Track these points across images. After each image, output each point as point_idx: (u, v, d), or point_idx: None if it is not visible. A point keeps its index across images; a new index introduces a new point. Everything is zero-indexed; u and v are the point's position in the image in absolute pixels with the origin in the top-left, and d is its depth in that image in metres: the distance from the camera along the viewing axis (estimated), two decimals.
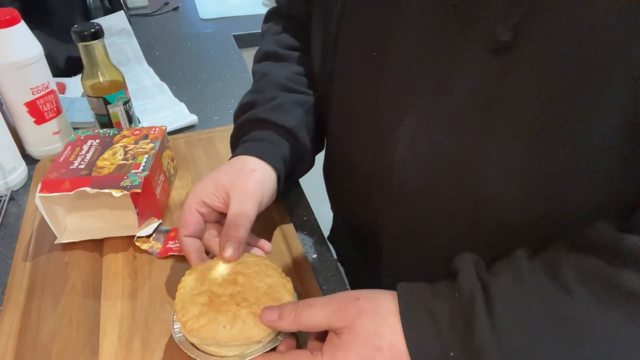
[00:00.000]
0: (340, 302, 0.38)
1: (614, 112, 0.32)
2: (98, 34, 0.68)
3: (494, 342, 0.33)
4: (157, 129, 0.64)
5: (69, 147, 0.60)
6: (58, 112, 0.73)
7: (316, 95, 0.58)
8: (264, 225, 0.60)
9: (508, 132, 0.37)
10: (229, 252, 0.45)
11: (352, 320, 0.36)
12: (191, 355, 0.43)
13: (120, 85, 0.73)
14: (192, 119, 0.84)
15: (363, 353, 0.35)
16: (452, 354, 0.33)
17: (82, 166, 0.56)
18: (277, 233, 0.59)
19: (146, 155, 0.59)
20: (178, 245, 0.56)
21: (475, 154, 0.39)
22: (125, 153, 0.59)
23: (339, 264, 0.59)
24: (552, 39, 0.33)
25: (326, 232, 0.69)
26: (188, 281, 0.46)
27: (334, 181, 0.62)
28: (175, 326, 0.46)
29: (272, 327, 0.41)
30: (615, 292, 0.32)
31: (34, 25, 0.69)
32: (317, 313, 0.38)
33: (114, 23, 1.09)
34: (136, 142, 0.62)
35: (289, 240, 0.58)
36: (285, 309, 0.39)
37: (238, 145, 0.55)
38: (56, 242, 0.57)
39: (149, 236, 0.58)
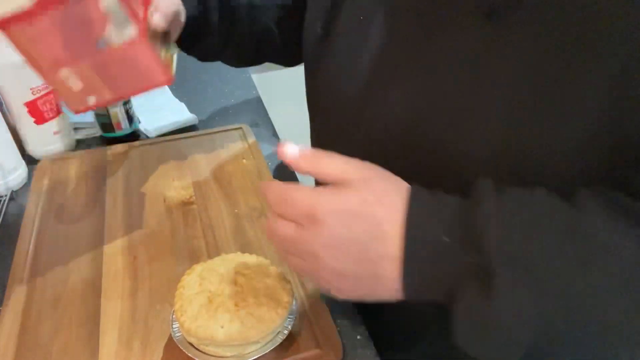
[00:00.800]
0: (363, 162, 0.37)
1: (602, 91, 0.32)
2: None
3: (495, 229, 0.30)
4: None
5: None
6: (58, 112, 0.74)
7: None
8: (264, 225, 0.60)
9: (491, 100, 0.36)
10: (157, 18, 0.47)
11: (370, 175, 0.35)
12: (189, 355, 0.44)
13: None
14: (192, 118, 0.84)
15: (367, 198, 0.34)
16: (446, 239, 0.32)
17: None
18: None
19: None
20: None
21: (456, 118, 0.38)
22: None
23: None
24: (546, 9, 0.32)
25: None
26: (187, 281, 0.46)
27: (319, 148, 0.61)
28: (174, 326, 0.46)
29: (288, 162, 0.38)
30: (629, 213, 0.30)
31: None
32: (338, 162, 0.36)
33: None
34: None
35: None
36: (307, 151, 0.37)
37: None
38: None
39: None
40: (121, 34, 0.38)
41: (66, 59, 0.39)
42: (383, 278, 0.33)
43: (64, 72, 0.39)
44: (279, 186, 0.36)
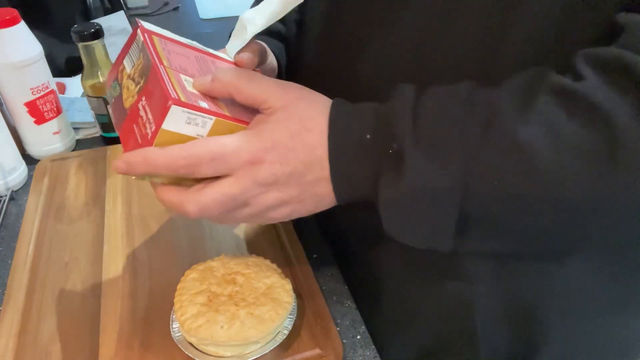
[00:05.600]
0: (284, 84, 0.37)
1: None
2: (98, 34, 0.68)
3: (405, 117, 0.33)
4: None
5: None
6: (58, 112, 0.74)
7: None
8: (264, 225, 0.60)
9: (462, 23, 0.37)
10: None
11: (290, 101, 0.36)
12: (189, 355, 0.44)
13: None
14: None
15: (293, 129, 0.35)
16: (368, 136, 0.34)
17: None
18: (277, 233, 0.59)
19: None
20: None
21: (430, 64, 0.39)
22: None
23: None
24: None
25: None
26: (187, 281, 0.46)
27: None
28: (174, 326, 0.46)
29: (203, 90, 0.37)
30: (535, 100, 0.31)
31: (34, 25, 0.69)
32: (258, 85, 0.36)
33: (114, 23, 1.09)
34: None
35: (289, 240, 0.58)
36: (221, 74, 0.37)
37: None
38: None
39: None
40: None
41: (193, 75, 0.39)
42: (321, 194, 0.36)
43: (186, 77, 0.38)
44: (202, 147, 0.34)
